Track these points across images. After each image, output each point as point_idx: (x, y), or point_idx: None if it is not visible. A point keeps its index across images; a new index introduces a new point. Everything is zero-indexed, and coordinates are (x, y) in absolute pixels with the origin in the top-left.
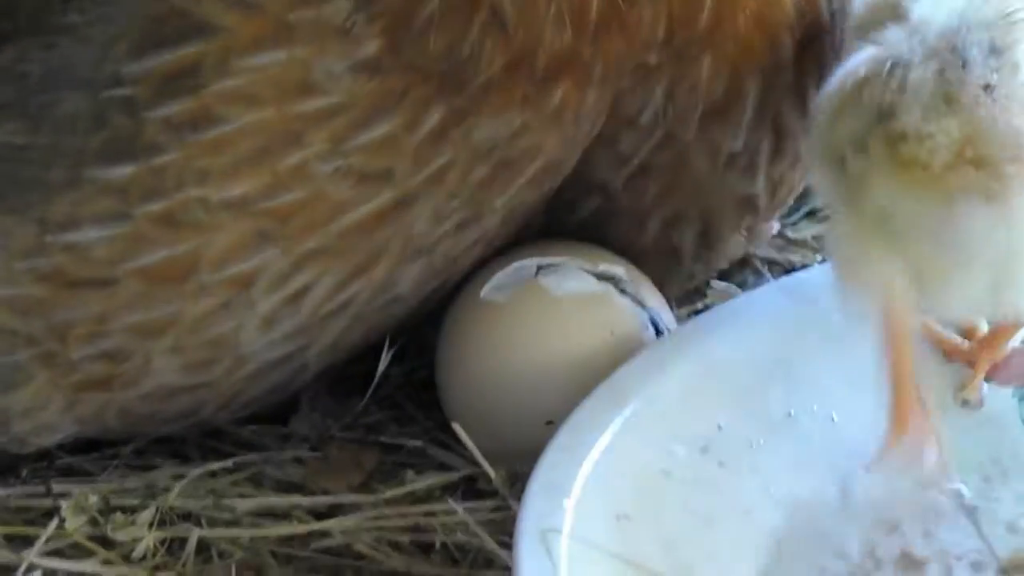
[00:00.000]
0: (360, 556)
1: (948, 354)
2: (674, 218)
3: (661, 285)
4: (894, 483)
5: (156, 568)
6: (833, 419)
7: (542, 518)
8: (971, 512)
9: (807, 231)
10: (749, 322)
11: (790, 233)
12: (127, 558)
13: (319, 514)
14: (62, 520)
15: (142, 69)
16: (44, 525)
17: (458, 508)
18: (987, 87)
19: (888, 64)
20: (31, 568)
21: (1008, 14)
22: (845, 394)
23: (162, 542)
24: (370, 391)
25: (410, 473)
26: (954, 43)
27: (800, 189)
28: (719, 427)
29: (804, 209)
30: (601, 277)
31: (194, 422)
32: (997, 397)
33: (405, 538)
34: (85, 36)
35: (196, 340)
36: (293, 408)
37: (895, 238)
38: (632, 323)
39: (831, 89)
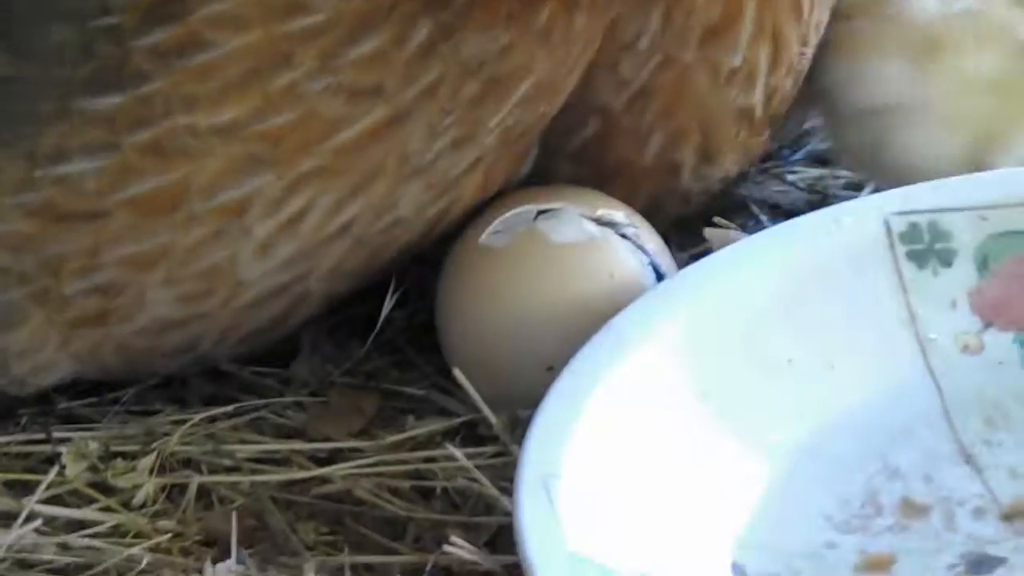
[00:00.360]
0: (360, 502)
1: None
2: (675, 135)
3: (658, 206)
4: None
5: (156, 515)
6: (833, 365)
7: (542, 464)
8: (973, 457)
9: (807, 174)
10: (750, 267)
11: (790, 177)
12: (127, 505)
13: (320, 460)
14: (62, 467)
15: None
16: (44, 472)
17: (459, 454)
18: None
19: None
20: (32, 515)
21: None
22: (845, 340)
23: (162, 489)
24: (373, 335)
25: (411, 419)
26: None
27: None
28: (720, 372)
29: (803, 152)
30: (600, 222)
31: (193, 358)
32: (999, 341)
33: (406, 484)
34: None
35: (190, 271)
36: (294, 353)
37: None
38: (632, 268)
39: None
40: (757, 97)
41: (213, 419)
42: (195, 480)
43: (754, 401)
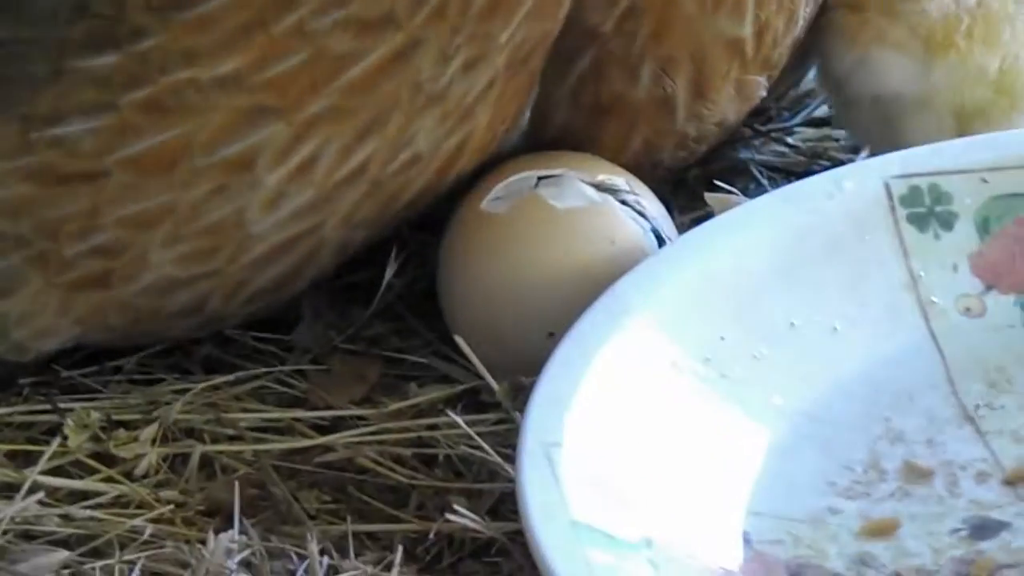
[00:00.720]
0: (363, 470)
1: None
2: (665, 62)
3: (655, 151)
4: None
5: (159, 485)
6: (836, 329)
7: (544, 431)
8: (976, 421)
9: (808, 137)
10: (751, 231)
11: (790, 139)
12: (129, 475)
13: (322, 428)
14: (65, 437)
15: None
16: (47, 443)
17: (461, 421)
18: None
19: None
20: (34, 486)
21: None
22: (848, 304)
23: (164, 458)
24: (376, 300)
25: (413, 386)
26: None
27: (783, 38)
28: (721, 338)
29: (803, 115)
30: (601, 188)
31: (201, 321)
32: (1000, 304)
33: (408, 451)
34: None
35: (194, 228)
36: (296, 321)
37: None
38: (633, 233)
39: None
40: (747, 29)
41: (215, 387)
42: (197, 449)
43: (756, 366)
